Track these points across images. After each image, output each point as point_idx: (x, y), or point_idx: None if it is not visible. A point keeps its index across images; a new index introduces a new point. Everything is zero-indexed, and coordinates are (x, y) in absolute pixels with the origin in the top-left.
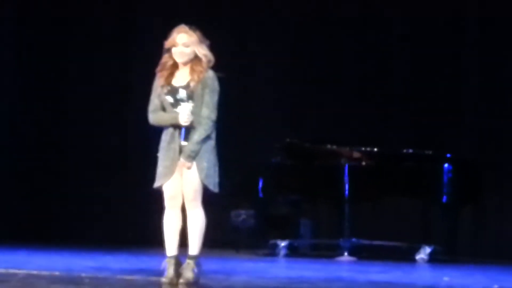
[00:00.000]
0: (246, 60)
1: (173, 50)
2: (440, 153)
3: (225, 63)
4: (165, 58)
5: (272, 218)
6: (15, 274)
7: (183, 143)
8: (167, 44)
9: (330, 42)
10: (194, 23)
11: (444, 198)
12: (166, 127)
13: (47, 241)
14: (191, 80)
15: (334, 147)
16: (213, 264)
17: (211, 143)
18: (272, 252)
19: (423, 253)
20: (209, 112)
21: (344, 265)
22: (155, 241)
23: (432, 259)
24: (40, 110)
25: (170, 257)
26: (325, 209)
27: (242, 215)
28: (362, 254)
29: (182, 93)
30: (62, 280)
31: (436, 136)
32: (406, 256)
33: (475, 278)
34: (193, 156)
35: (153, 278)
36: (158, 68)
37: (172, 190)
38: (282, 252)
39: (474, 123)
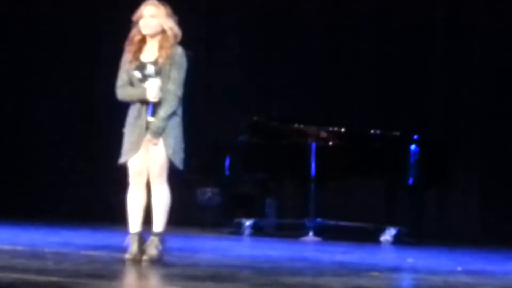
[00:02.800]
0: (214, 37)
1: (140, 22)
2: (407, 134)
3: (193, 39)
4: (133, 32)
5: (238, 196)
6: None
7: (150, 119)
8: (134, 16)
9: (297, 19)
10: None
11: (410, 180)
12: (134, 102)
13: (11, 216)
14: (159, 56)
15: (301, 126)
16: (177, 241)
17: (177, 119)
18: (237, 230)
19: (388, 235)
20: (175, 88)
21: (309, 245)
22: (119, 217)
23: (397, 240)
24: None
25: (134, 233)
26: (291, 188)
27: (208, 193)
28: (327, 234)
29: (150, 69)
30: (25, 255)
31: (403, 117)
32: (371, 237)
33: (439, 260)
34: (159, 133)
35: (117, 254)
36: (126, 43)
37: (137, 166)
38: (247, 231)
39: (440, 104)
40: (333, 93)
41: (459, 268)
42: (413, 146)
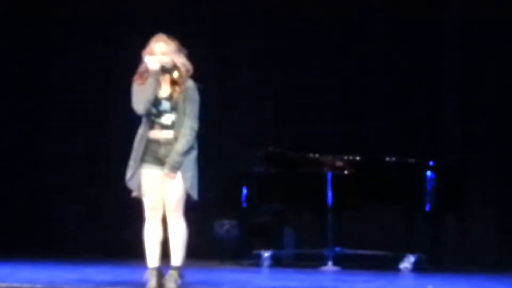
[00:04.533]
0: (227, 69)
1: (146, 59)
2: (423, 160)
3: (205, 72)
4: (142, 67)
5: (255, 227)
6: None
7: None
8: (145, 53)
9: (310, 49)
10: (171, 30)
11: (427, 206)
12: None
13: (29, 254)
14: (173, 91)
15: (317, 155)
16: (196, 275)
17: (194, 153)
18: (256, 262)
19: (407, 262)
20: (191, 122)
21: (328, 275)
22: (136, 252)
23: (416, 267)
24: (15, 120)
25: (152, 268)
26: (308, 218)
27: (225, 225)
28: (346, 263)
29: (166, 105)
30: None
31: (418, 144)
32: (390, 265)
33: (459, 286)
34: (177, 167)
35: None
36: (136, 77)
37: (154, 201)
38: (266, 262)
39: (456, 130)
40: (347, 121)
41: None
42: (429, 173)
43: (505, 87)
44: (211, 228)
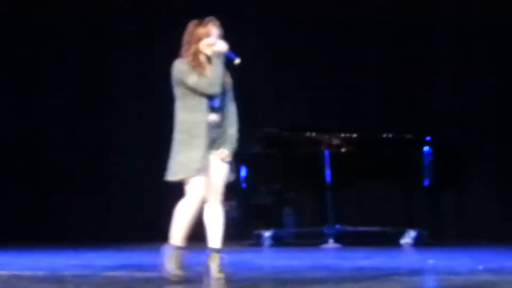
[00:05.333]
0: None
1: (206, 40)
2: (420, 136)
3: None
4: (193, 49)
5: (255, 208)
6: None
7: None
8: (200, 34)
9: (305, 29)
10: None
11: (426, 182)
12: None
13: (29, 241)
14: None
15: (313, 134)
16: (198, 256)
17: None
18: (257, 242)
19: (408, 237)
20: (233, 106)
21: (329, 252)
22: (138, 236)
23: (417, 242)
24: (17, 111)
25: (178, 247)
26: (307, 197)
27: (225, 207)
28: (346, 240)
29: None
30: (46, 280)
31: (416, 119)
32: (391, 241)
33: (460, 260)
34: (235, 147)
35: (137, 274)
36: (190, 59)
37: (201, 182)
38: (267, 242)
39: (454, 105)
40: (342, 99)
41: (480, 267)
42: (426, 148)
43: (503, 58)
44: None
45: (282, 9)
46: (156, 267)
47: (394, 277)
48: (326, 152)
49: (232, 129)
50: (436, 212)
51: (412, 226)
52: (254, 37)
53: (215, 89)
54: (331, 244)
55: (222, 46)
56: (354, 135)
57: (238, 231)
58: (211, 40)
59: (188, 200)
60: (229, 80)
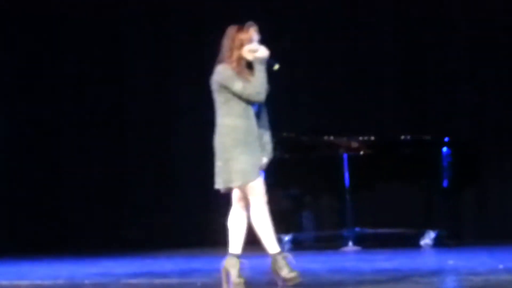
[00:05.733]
0: None
1: (248, 46)
2: (438, 137)
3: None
4: (236, 55)
5: (274, 212)
6: (18, 286)
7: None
8: (242, 39)
9: (319, 32)
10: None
11: (445, 182)
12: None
13: (49, 250)
14: None
15: (331, 138)
16: (219, 261)
17: None
18: None
19: (428, 238)
20: (267, 114)
21: (349, 255)
22: (157, 243)
23: (437, 243)
24: (30, 118)
25: (237, 255)
26: (326, 200)
27: None
28: (366, 243)
29: None
30: None
31: (433, 121)
32: (411, 242)
33: (481, 260)
34: None
35: (156, 281)
36: (234, 65)
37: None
38: (287, 246)
39: (471, 105)
40: (360, 101)
41: (500, 266)
42: (444, 149)
43: None
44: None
45: (292, 10)
46: (175, 273)
47: (414, 278)
48: (345, 155)
49: (266, 137)
50: (455, 212)
51: (431, 227)
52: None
53: (261, 96)
54: (350, 247)
55: (264, 53)
56: (372, 138)
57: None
58: (253, 46)
59: (242, 208)
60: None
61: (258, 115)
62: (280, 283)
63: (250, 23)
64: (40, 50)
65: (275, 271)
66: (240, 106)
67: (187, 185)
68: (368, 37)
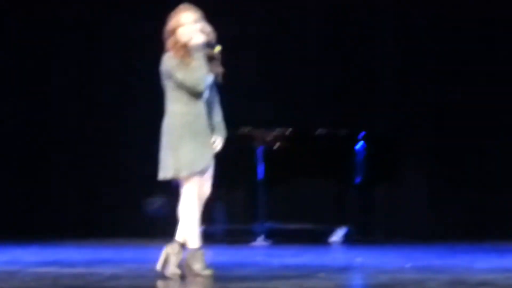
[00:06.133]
0: None
1: (180, 30)
2: (354, 132)
3: None
4: (173, 41)
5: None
6: None
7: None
8: (173, 25)
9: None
10: None
11: (358, 179)
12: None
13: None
14: (213, 67)
15: (247, 129)
16: (127, 253)
17: None
18: None
19: (337, 235)
20: (218, 96)
21: (259, 250)
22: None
23: (347, 240)
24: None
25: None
26: (239, 193)
27: (156, 203)
28: (276, 238)
29: (208, 80)
30: None
31: (351, 114)
32: (321, 239)
33: (389, 258)
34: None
35: (65, 270)
36: (174, 53)
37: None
38: None
39: (387, 99)
40: (279, 93)
41: (408, 265)
42: (359, 145)
43: (439, 54)
44: (142, 206)
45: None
46: (84, 263)
47: (321, 274)
48: (260, 148)
49: (218, 117)
50: (367, 209)
51: (342, 223)
52: None
53: (200, 87)
54: (260, 241)
55: (197, 39)
56: (288, 131)
57: (168, 227)
58: (185, 29)
59: (196, 198)
60: (218, 69)
61: (208, 98)
62: (188, 277)
63: (182, 5)
64: None
65: (187, 265)
66: (190, 95)
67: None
68: (293, 27)
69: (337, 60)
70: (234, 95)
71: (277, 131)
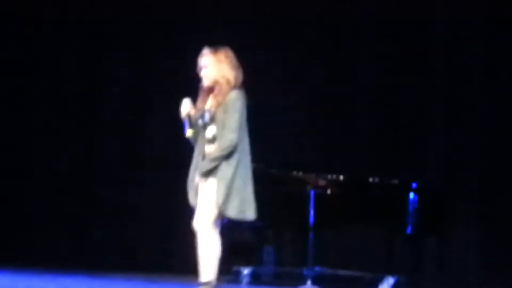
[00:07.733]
0: None
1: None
2: (406, 182)
3: None
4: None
5: (235, 244)
6: None
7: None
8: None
9: (295, 66)
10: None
11: (409, 229)
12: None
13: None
14: (212, 103)
15: (300, 174)
16: None
17: (233, 165)
18: (235, 279)
19: (386, 284)
20: (226, 132)
21: None
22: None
23: None
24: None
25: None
26: (289, 236)
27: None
28: (325, 283)
29: (206, 116)
30: None
31: (402, 164)
32: (369, 287)
33: None
34: (205, 173)
35: None
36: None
37: None
38: (245, 279)
39: (441, 152)
40: (332, 140)
41: None
42: (411, 195)
43: (490, 111)
44: (193, 245)
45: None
46: None
47: None
48: (312, 192)
49: (210, 154)
50: (417, 260)
51: (391, 273)
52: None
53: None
54: (309, 285)
55: (183, 109)
56: (341, 177)
57: (218, 266)
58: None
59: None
60: (226, 108)
61: (215, 140)
62: None
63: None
64: None
65: None
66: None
67: None
68: (345, 76)
69: (390, 111)
70: (289, 137)
71: (329, 177)
